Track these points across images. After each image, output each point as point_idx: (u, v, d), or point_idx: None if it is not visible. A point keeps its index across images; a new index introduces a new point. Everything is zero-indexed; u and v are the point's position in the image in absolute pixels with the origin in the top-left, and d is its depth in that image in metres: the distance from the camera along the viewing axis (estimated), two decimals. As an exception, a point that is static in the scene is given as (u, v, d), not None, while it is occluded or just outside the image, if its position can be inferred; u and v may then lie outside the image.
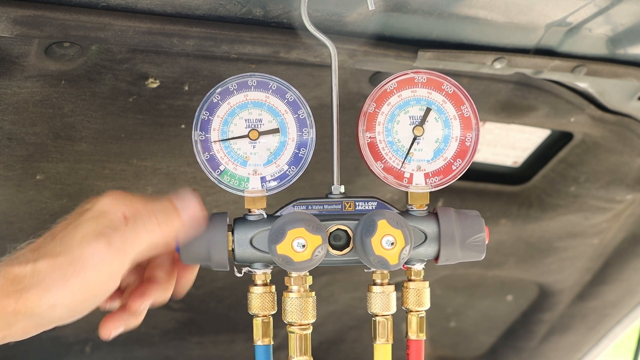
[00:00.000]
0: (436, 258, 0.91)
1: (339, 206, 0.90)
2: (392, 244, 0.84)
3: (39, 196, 1.09)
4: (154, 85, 1.00)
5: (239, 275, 0.90)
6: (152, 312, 1.37)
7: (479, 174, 1.36)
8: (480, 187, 1.36)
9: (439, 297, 1.54)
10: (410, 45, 1.01)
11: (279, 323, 0.92)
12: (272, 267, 0.90)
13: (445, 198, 1.32)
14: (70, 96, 0.98)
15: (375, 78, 1.07)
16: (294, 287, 0.90)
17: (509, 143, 1.31)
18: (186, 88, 1.02)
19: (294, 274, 0.90)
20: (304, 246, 0.83)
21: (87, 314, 1.33)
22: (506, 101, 1.17)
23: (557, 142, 1.32)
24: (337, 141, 0.90)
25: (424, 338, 0.93)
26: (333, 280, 1.42)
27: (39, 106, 0.98)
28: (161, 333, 1.42)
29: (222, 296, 1.37)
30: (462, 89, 0.90)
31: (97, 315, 1.33)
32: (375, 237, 0.84)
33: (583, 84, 1.15)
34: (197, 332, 1.45)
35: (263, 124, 0.89)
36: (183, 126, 1.06)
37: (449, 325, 1.64)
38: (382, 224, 0.84)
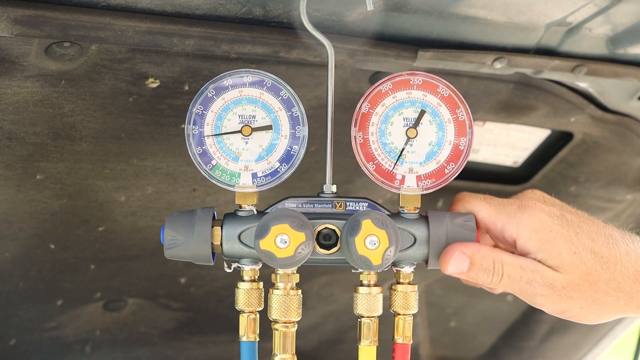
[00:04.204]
0: (426, 262, 0.91)
1: (330, 205, 0.90)
2: (376, 244, 0.84)
3: (39, 196, 1.09)
4: (154, 85, 1.00)
5: (228, 270, 0.91)
6: (152, 312, 1.37)
7: (479, 174, 1.36)
8: (480, 187, 1.36)
9: (439, 297, 1.54)
10: (410, 45, 1.01)
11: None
12: (261, 263, 0.90)
13: (445, 198, 1.32)
14: (70, 96, 0.98)
15: (375, 78, 1.07)
16: (280, 285, 0.90)
17: (509, 143, 1.31)
18: (186, 88, 1.02)
19: (279, 271, 0.90)
20: (286, 242, 0.84)
21: (87, 314, 1.33)
22: (506, 101, 1.17)
23: (557, 142, 1.32)
24: (331, 140, 0.90)
25: (411, 342, 0.93)
26: (333, 280, 1.42)
27: (39, 106, 0.98)
28: (161, 333, 1.42)
29: (222, 296, 1.37)
30: (458, 92, 0.90)
31: (97, 315, 1.34)
32: (359, 236, 0.84)
33: (583, 84, 1.15)
34: (197, 332, 1.45)
35: (256, 121, 0.89)
36: (183, 126, 1.06)
37: (449, 325, 1.64)
38: (367, 224, 0.84)
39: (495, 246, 0.99)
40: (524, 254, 0.91)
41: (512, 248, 0.93)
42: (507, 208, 0.93)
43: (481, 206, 0.93)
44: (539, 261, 0.90)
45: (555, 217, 0.91)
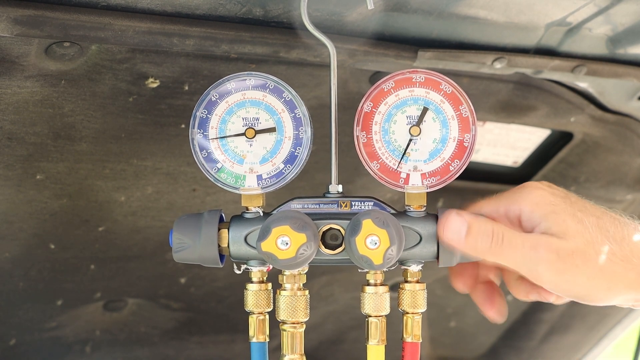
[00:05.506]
0: (436, 260, 0.91)
1: (335, 205, 0.90)
2: (377, 243, 0.84)
3: (39, 196, 1.09)
4: (154, 85, 1.00)
5: (238, 272, 0.91)
6: (152, 312, 1.37)
7: (479, 174, 1.36)
8: (480, 187, 1.36)
9: (439, 297, 1.54)
10: (410, 44, 1.01)
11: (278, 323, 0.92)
12: (269, 265, 0.90)
13: (445, 198, 1.32)
14: (70, 96, 0.98)
15: (375, 78, 1.07)
16: (287, 285, 0.90)
17: (509, 143, 1.31)
18: (186, 88, 1.02)
19: (286, 272, 0.90)
20: (287, 244, 0.84)
21: (87, 314, 1.33)
22: (506, 101, 1.17)
23: (557, 142, 1.32)
24: (336, 140, 0.90)
25: (420, 340, 0.92)
26: (333, 280, 1.42)
27: (39, 106, 0.98)
28: (161, 333, 1.42)
29: (222, 296, 1.37)
30: (460, 89, 0.90)
31: (97, 315, 1.34)
32: (360, 236, 0.84)
33: (583, 84, 1.15)
34: (197, 332, 1.45)
35: (260, 123, 0.89)
36: (183, 126, 1.06)
37: (449, 325, 1.64)
38: (367, 224, 0.84)
39: None
40: (528, 230, 0.89)
41: (518, 228, 0.91)
42: (507, 193, 0.91)
43: (481, 204, 0.92)
44: (544, 232, 0.87)
45: (558, 196, 0.89)
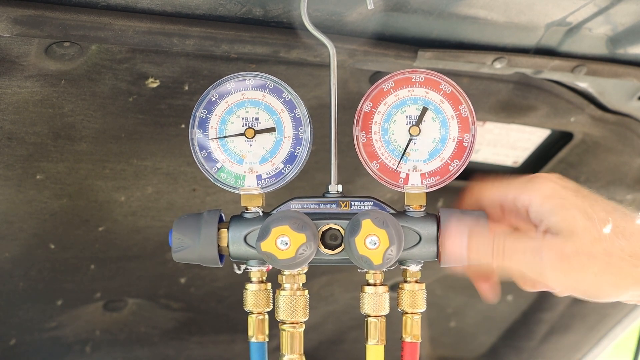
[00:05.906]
0: (435, 260, 0.91)
1: (335, 205, 0.90)
2: (376, 244, 0.84)
3: (39, 196, 1.09)
4: (154, 85, 1.00)
5: (238, 272, 0.91)
6: (152, 312, 1.37)
7: (479, 174, 1.36)
8: (480, 187, 1.36)
9: (439, 297, 1.54)
10: (410, 44, 1.01)
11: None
12: (268, 264, 0.90)
13: (445, 198, 1.32)
14: (70, 96, 0.98)
15: (375, 78, 1.07)
16: (286, 285, 0.90)
17: (509, 143, 1.31)
18: (186, 88, 1.02)
19: (285, 272, 0.90)
20: (287, 244, 0.84)
21: (87, 314, 1.34)
22: (506, 101, 1.17)
23: (557, 142, 1.32)
24: (335, 140, 0.90)
25: (419, 340, 0.92)
26: (333, 280, 1.42)
27: (39, 106, 0.98)
28: (161, 333, 1.42)
29: (222, 296, 1.37)
30: (460, 89, 0.90)
31: (97, 315, 1.34)
32: (359, 236, 0.84)
33: (583, 84, 1.15)
34: (197, 332, 1.45)
35: (260, 123, 0.89)
36: (183, 126, 1.06)
37: (449, 325, 1.64)
38: (367, 224, 0.84)
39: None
40: (536, 223, 0.88)
41: (524, 220, 0.91)
42: (519, 180, 0.90)
43: (490, 186, 0.92)
44: (551, 228, 0.87)
45: (569, 190, 0.88)
